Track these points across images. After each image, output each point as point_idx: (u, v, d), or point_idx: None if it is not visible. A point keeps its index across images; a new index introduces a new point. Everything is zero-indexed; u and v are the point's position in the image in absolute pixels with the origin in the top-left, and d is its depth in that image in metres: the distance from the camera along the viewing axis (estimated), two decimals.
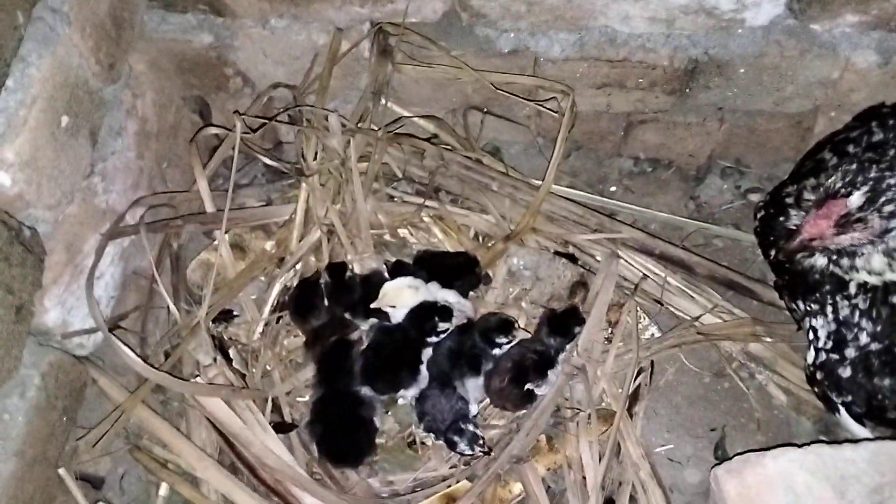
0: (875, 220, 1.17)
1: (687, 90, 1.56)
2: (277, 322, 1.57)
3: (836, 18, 1.37)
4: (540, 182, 1.59)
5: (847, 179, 1.17)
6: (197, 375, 1.46)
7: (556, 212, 1.61)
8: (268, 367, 1.53)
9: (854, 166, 1.18)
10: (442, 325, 1.42)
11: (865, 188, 1.16)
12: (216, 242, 1.60)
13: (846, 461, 1.12)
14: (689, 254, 1.56)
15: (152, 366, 1.38)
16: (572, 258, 1.58)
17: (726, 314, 1.51)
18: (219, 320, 1.56)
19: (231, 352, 1.54)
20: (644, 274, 1.55)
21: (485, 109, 1.68)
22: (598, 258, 1.57)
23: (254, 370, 1.51)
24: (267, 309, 1.58)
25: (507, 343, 1.44)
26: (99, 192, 1.46)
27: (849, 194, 1.16)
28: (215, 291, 1.52)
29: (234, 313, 1.58)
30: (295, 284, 1.58)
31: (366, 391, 1.43)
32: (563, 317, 1.44)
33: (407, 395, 1.45)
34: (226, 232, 1.56)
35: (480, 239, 1.66)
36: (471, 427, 1.36)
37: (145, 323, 1.56)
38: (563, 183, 1.71)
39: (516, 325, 1.45)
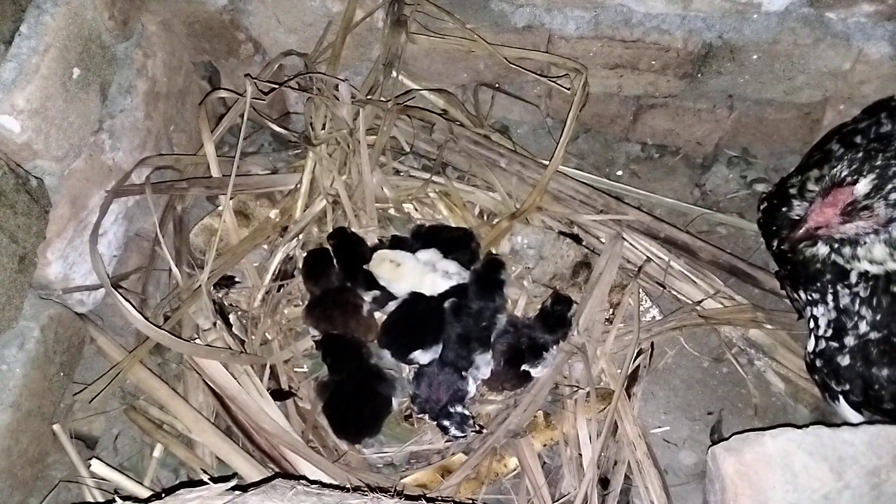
0: (881, 207, 1.17)
1: (699, 75, 1.56)
2: (279, 290, 1.57)
3: (851, 7, 1.37)
4: (548, 162, 1.59)
5: (853, 167, 1.17)
6: (196, 338, 1.45)
7: (562, 191, 1.61)
8: (267, 335, 1.53)
9: (860, 155, 1.18)
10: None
11: (872, 176, 1.16)
12: (220, 208, 1.59)
13: (844, 443, 1.12)
14: (693, 238, 1.57)
15: (153, 325, 1.37)
16: (577, 238, 1.58)
17: (727, 300, 1.51)
18: (220, 285, 1.55)
19: (231, 317, 1.53)
20: (648, 257, 1.55)
21: (496, 86, 1.68)
22: (603, 239, 1.57)
23: (253, 337, 1.50)
24: (268, 277, 1.57)
25: (505, 277, 1.46)
26: (106, 148, 1.46)
27: (855, 182, 1.16)
28: (217, 257, 1.52)
29: (236, 279, 1.58)
30: (304, 253, 1.58)
31: (386, 359, 1.44)
32: (556, 309, 1.45)
33: (422, 359, 1.43)
34: (231, 198, 1.56)
35: (485, 216, 1.66)
36: (461, 409, 1.36)
37: (146, 284, 1.55)
38: (571, 165, 1.71)
39: (501, 259, 1.49)
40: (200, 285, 1.46)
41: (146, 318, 1.40)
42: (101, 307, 1.46)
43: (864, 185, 1.17)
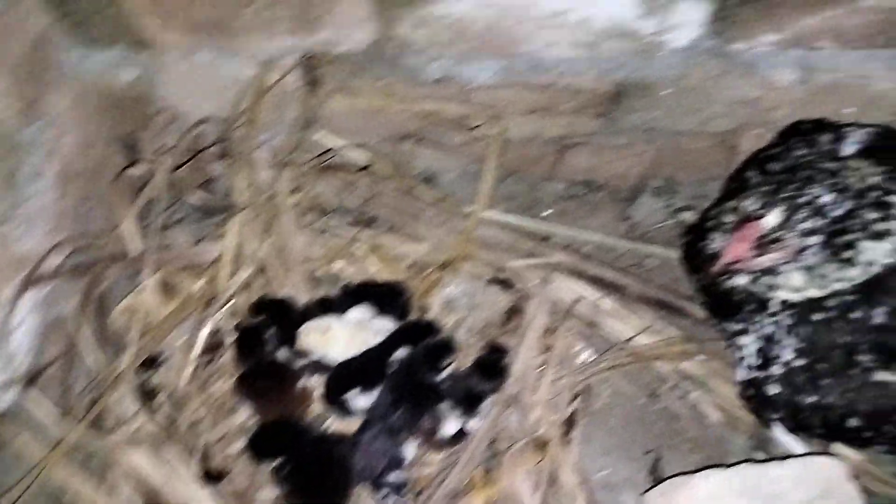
0: (791, 238, 1.19)
1: (613, 113, 1.57)
2: (208, 365, 1.54)
3: (754, 38, 1.39)
4: (473, 209, 1.59)
5: (763, 201, 1.19)
6: (121, 426, 1.41)
7: (489, 238, 1.61)
8: (197, 414, 1.49)
9: (767, 188, 1.20)
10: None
11: (780, 208, 1.18)
12: (143, 285, 1.56)
13: (773, 480, 1.13)
14: (620, 275, 1.57)
15: (73, 419, 1.34)
16: (507, 284, 1.58)
17: (659, 334, 1.52)
18: (145, 366, 1.51)
19: (158, 399, 1.49)
20: (577, 297, 1.54)
21: (417, 138, 1.67)
22: (533, 283, 1.57)
23: (182, 418, 1.47)
24: (196, 352, 1.54)
25: (450, 364, 1.43)
26: (16, 237, 1.41)
27: (763, 216, 1.18)
28: (142, 336, 1.49)
29: (162, 358, 1.54)
30: (234, 326, 1.54)
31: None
32: (491, 358, 1.44)
33: (359, 402, 1.41)
34: (153, 274, 1.53)
35: (416, 268, 1.64)
36: (397, 477, 1.34)
37: (68, 373, 1.50)
38: (499, 208, 1.71)
39: (455, 347, 1.45)
40: (123, 370, 1.43)
41: (68, 411, 1.36)
42: (20, 403, 1.41)
43: (772, 218, 1.18)
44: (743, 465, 1.15)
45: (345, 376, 1.43)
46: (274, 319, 1.49)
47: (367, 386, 1.40)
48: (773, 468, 1.13)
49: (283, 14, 1.42)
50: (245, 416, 1.48)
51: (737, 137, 1.63)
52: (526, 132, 1.64)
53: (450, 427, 1.39)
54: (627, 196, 1.77)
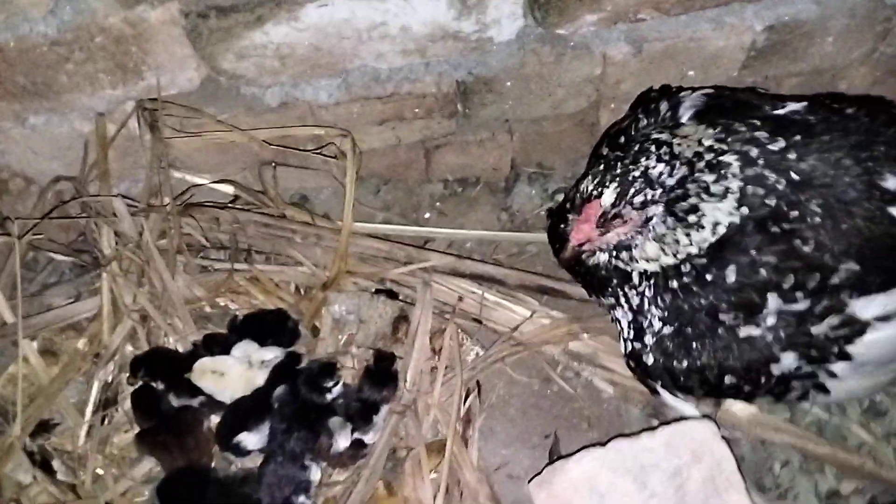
0: (631, 212, 1.21)
1: (466, 111, 1.59)
2: (103, 422, 1.51)
3: (576, 21, 1.41)
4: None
5: (597, 181, 1.21)
6: (20, 495, 1.39)
7: (366, 251, 1.61)
8: (99, 471, 1.47)
9: (601, 167, 1.22)
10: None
11: (614, 185, 1.20)
12: (23, 353, 1.53)
13: (645, 450, 1.15)
14: (498, 268, 1.58)
15: None
16: (391, 294, 1.58)
17: (546, 319, 1.54)
18: (37, 433, 1.48)
19: (55, 463, 1.47)
20: (460, 296, 1.56)
21: (274, 163, 1.66)
22: (415, 289, 1.58)
23: (83, 477, 1.45)
24: (89, 410, 1.51)
25: (335, 385, 1.43)
26: None
27: (600, 195, 1.20)
28: (29, 404, 1.46)
29: (54, 422, 1.51)
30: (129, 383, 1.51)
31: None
32: (380, 366, 1.44)
33: (250, 442, 1.40)
34: (32, 339, 1.50)
35: (302, 292, 1.64)
36: (305, 501, 1.34)
37: None
38: (378, 219, 1.72)
39: (339, 366, 1.46)
40: (13, 440, 1.40)
41: None
42: None
43: (608, 196, 1.20)
44: (614, 440, 1.17)
45: (232, 420, 1.43)
46: (155, 373, 1.47)
47: (255, 424, 1.40)
48: (646, 439, 1.15)
49: (101, 68, 1.40)
50: (148, 467, 1.47)
51: (594, 114, 1.66)
52: (385, 141, 1.65)
53: (343, 442, 1.39)
54: (505, 187, 1.78)
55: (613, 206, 1.19)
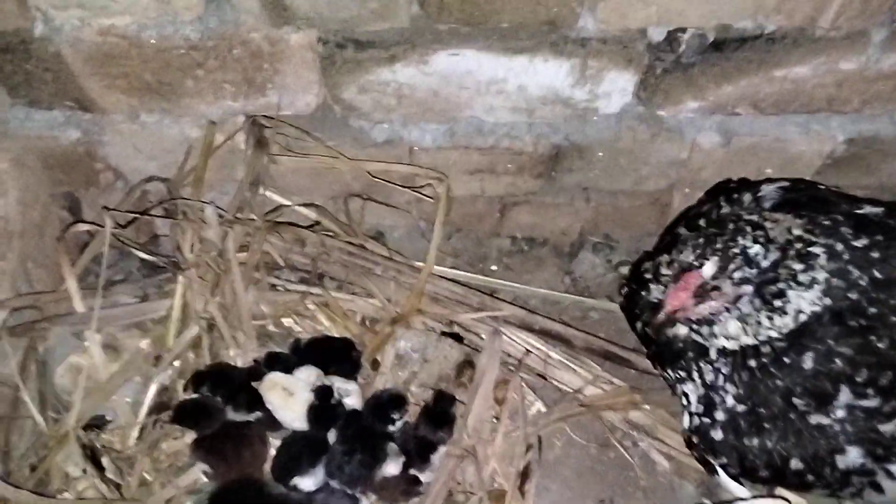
0: (728, 286, 1.26)
1: (553, 173, 1.66)
2: (155, 426, 1.50)
3: (678, 105, 1.50)
4: (422, 264, 1.63)
5: (698, 252, 1.27)
6: (67, 488, 1.36)
7: (439, 292, 1.64)
8: (146, 475, 1.44)
9: (701, 240, 1.28)
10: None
11: (715, 258, 1.25)
12: (87, 344, 1.52)
13: None
14: (566, 327, 1.62)
15: (15, 482, 1.28)
16: (458, 338, 1.61)
17: (606, 384, 1.57)
18: (90, 427, 1.46)
19: (104, 461, 1.44)
20: (527, 349, 1.58)
21: (364, 196, 1.71)
22: (483, 337, 1.60)
23: (130, 479, 1.42)
24: (143, 411, 1.50)
25: (401, 418, 1.44)
26: None
27: (701, 266, 1.25)
28: (86, 396, 1.44)
29: (107, 418, 1.50)
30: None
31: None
32: (439, 406, 1.46)
33: (305, 485, 1.39)
34: (97, 332, 1.50)
35: (367, 323, 1.66)
36: None
37: (9, 435, 1.44)
38: (447, 264, 1.76)
39: (407, 399, 1.47)
40: (68, 430, 1.38)
41: (8, 474, 1.31)
42: None
43: (709, 267, 1.25)
44: None
45: (288, 462, 1.41)
46: (217, 387, 1.47)
47: (309, 467, 1.39)
48: None
49: (229, 78, 1.46)
50: (194, 478, 1.44)
51: (668, 196, 1.74)
52: (470, 191, 1.71)
53: (393, 468, 1.39)
54: (569, 251, 1.84)
55: (714, 277, 1.24)
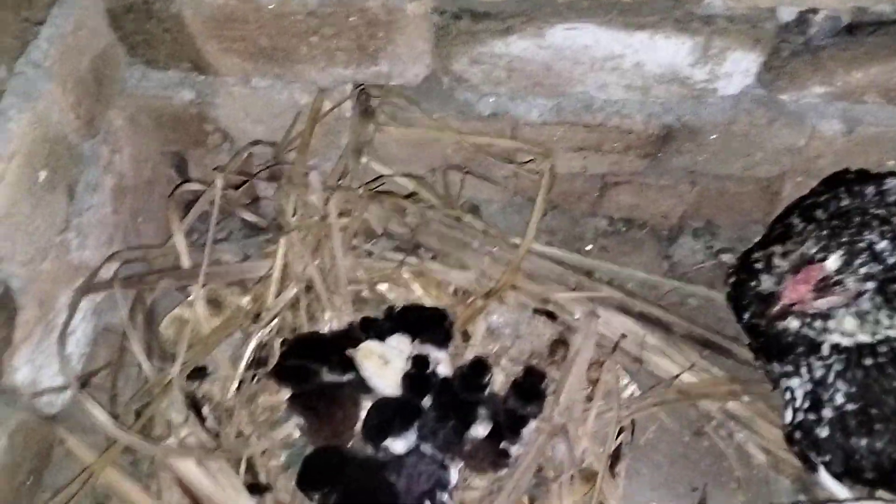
0: (851, 282, 1.21)
1: (660, 154, 1.61)
2: (253, 380, 1.54)
3: (803, 90, 1.44)
4: (518, 240, 1.61)
5: (822, 245, 1.22)
6: (169, 435, 1.42)
7: (535, 270, 1.63)
8: (242, 427, 1.49)
9: (825, 232, 1.23)
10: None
11: (840, 252, 1.20)
12: (191, 298, 1.57)
13: None
14: (665, 313, 1.59)
15: (123, 425, 1.34)
16: (552, 316, 1.59)
17: (704, 373, 1.53)
18: (192, 378, 1.52)
19: (204, 410, 1.50)
20: (623, 333, 1.56)
21: (464, 169, 1.71)
22: (577, 316, 1.58)
23: (227, 429, 1.47)
24: (242, 366, 1.54)
25: (488, 381, 1.45)
26: (73, 247, 1.43)
27: (825, 259, 1.20)
28: (189, 348, 1.49)
29: (208, 370, 1.55)
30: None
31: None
32: (528, 381, 1.45)
33: (397, 447, 1.40)
34: (202, 287, 1.54)
35: (460, 295, 1.66)
36: (442, 500, 1.34)
37: (116, 380, 1.51)
38: (541, 241, 1.73)
39: (489, 364, 1.47)
40: (172, 379, 1.44)
41: (116, 417, 1.37)
42: (71, 407, 1.42)
43: (833, 262, 1.20)
44: None
45: (382, 423, 1.43)
46: (306, 355, 1.50)
47: (402, 429, 1.40)
48: None
49: (342, 46, 1.46)
50: (288, 432, 1.49)
51: (779, 183, 1.67)
52: (571, 168, 1.68)
53: (482, 430, 1.40)
54: (668, 235, 1.80)
55: (838, 272, 1.19)
